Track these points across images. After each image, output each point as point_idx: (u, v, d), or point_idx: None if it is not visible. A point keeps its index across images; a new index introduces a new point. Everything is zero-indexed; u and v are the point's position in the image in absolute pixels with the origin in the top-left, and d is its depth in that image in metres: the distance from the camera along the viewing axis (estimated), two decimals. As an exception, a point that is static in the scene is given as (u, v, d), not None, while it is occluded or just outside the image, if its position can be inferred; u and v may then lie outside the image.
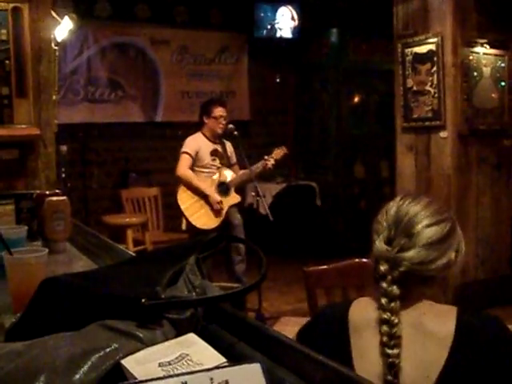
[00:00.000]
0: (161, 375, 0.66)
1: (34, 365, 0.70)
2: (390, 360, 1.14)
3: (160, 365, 0.69)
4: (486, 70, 4.51)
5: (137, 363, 0.70)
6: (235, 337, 0.83)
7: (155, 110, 6.41)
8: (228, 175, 4.43)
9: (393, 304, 1.17)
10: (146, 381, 0.61)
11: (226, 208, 4.34)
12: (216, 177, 4.40)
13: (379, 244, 1.22)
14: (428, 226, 1.21)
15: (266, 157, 4.44)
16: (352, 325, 1.24)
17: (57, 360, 0.70)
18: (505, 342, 1.16)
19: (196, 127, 4.57)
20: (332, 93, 6.79)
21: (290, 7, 6.76)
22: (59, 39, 3.70)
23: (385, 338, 1.15)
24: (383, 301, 1.18)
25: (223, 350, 0.74)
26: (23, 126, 2.89)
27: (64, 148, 5.16)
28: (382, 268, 1.20)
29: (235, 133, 4.37)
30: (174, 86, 6.48)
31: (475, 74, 4.44)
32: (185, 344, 0.75)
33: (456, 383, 1.12)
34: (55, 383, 0.67)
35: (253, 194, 4.53)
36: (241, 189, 4.69)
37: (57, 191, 1.93)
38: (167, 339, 0.76)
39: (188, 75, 6.58)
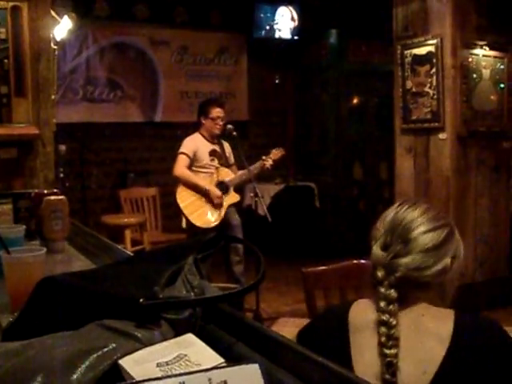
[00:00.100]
0: (159, 375, 0.66)
1: (31, 364, 0.69)
2: (388, 359, 1.15)
3: (158, 365, 0.69)
4: (486, 72, 4.51)
5: (135, 363, 0.70)
6: (233, 337, 0.83)
7: (154, 110, 6.41)
8: (227, 175, 4.43)
9: (391, 306, 1.19)
10: (144, 381, 0.61)
11: (225, 206, 4.34)
12: (215, 176, 4.40)
13: (376, 250, 1.25)
14: (424, 232, 1.23)
15: (263, 157, 4.46)
16: (352, 326, 1.25)
17: (54, 360, 0.70)
18: (502, 345, 1.17)
19: (194, 127, 4.57)
20: (331, 94, 6.79)
21: (289, 8, 6.76)
22: (58, 38, 3.70)
23: (383, 339, 1.17)
24: (382, 303, 1.20)
25: (221, 350, 0.74)
26: (22, 125, 2.89)
27: (63, 147, 5.17)
28: (379, 274, 1.22)
29: (234, 133, 4.37)
30: (173, 87, 6.49)
31: (474, 75, 4.44)
32: (183, 344, 0.74)
33: (452, 380, 1.14)
34: (53, 383, 0.67)
35: (251, 194, 4.52)
36: (239, 190, 4.68)
37: (55, 190, 1.93)
38: (165, 339, 0.76)
39: (187, 75, 6.58)
